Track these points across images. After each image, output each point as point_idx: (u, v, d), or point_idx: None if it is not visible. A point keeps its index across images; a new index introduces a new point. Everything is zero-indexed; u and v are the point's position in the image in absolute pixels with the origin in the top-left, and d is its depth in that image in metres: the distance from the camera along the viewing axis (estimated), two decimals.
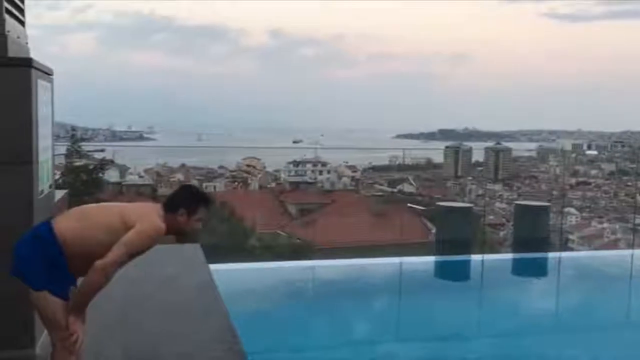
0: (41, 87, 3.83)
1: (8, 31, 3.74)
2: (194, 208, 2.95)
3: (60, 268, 2.80)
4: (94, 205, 3.20)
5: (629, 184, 14.99)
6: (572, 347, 5.59)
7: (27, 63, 3.67)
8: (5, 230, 3.60)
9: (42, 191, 3.84)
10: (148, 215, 2.88)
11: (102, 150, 13.46)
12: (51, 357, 2.90)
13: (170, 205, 2.96)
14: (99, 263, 2.73)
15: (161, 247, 3.26)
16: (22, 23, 4.19)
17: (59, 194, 5.79)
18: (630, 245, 10.99)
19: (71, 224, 2.87)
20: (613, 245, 13.11)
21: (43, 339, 3.85)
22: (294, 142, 21.40)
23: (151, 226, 2.85)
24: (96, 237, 2.80)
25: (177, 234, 2.99)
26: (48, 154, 4.07)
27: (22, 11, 4.17)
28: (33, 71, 3.66)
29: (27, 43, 4.24)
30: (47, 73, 4.09)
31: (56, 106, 4.37)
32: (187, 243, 6.17)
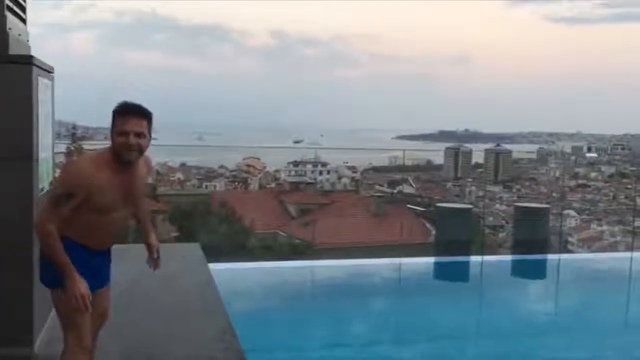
0: (42, 84, 3.82)
1: (9, 28, 3.73)
2: (112, 125, 2.67)
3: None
4: None
5: (629, 186, 14.99)
6: (570, 348, 5.58)
7: (28, 60, 3.66)
8: (5, 227, 3.60)
9: (43, 189, 3.83)
10: None
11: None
12: (61, 355, 2.84)
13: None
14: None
15: (161, 246, 3.23)
16: (24, 21, 4.19)
17: None
18: (630, 248, 10.98)
19: None
20: (612, 247, 13.11)
21: (42, 337, 3.84)
22: (295, 142, 21.39)
23: (69, 165, 2.79)
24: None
25: (122, 160, 2.68)
26: (49, 151, 4.06)
27: (23, 9, 4.16)
28: (34, 68, 3.65)
29: (28, 41, 4.24)
30: (48, 71, 4.08)
31: (57, 104, 4.36)
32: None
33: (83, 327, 2.78)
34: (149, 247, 3.11)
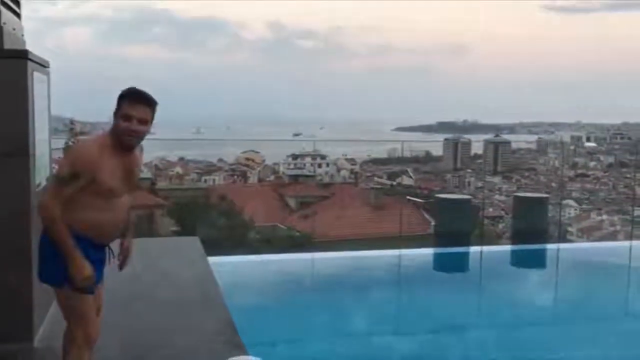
0: (37, 79, 3.81)
1: (4, 23, 3.71)
2: (117, 108, 2.69)
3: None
4: None
5: (628, 175, 14.98)
6: (570, 337, 5.60)
7: (22, 55, 3.65)
8: (3, 222, 3.60)
9: (40, 184, 3.82)
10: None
11: None
12: (66, 350, 2.84)
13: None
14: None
15: (160, 241, 3.23)
16: (19, 15, 4.17)
17: None
18: (629, 237, 10.99)
19: None
20: (612, 237, 13.12)
21: (42, 332, 3.85)
22: (295, 135, 21.38)
23: (73, 148, 2.78)
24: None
25: (122, 145, 2.69)
26: (45, 146, 4.05)
27: (18, 4, 4.14)
28: (29, 63, 3.64)
29: (23, 35, 4.22)
30: (44, 65, 4.07)
31: (55, 100, 4.35)
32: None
33: (90, 322, 2.79)
34: (122, 245, 3.02)
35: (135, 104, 2.68)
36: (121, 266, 3.02)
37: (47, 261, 2.76)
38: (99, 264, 2.82)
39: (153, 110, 2.75)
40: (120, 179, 2.73)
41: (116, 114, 2.69)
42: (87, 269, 2.66)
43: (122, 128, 2.67)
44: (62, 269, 2.66)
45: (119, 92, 2.73)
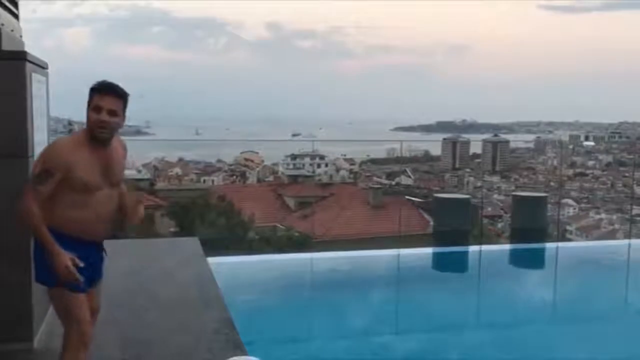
0: (36, 80, 3.82)
1: (2, 24, 3.72)
2: (89, 101, 2.71)
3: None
4: None
5: (626, 174, 15.01)
6: (569, 335, 5.61)
7: (21, 56, 3.65)
8: (1, 223, 3.60)
9: None
10: None
11: None
12: (62, 351, 2.84)
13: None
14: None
15: (160, 241, 3.24)
16: (16, 16, 4.18)
17: None
18: (628, 236, 11.01)
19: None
20: (610, 235, 13.14)
21: (41, 331, 3.86)
22: (294, 135, 21.38)
23: (47, 146, 2.82)
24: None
25: (95, 138, 2.71)
26: (44, 148, 4.06)
27: (15, 4, 4.15)
28: (27, 64, 3.64)
29: (21, 36, 4.22)
30: (42, 66, 4.07)
31: (54, 100, 4.35)
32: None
33: (84, 322, 2.78)
34: (125, 206, 2.92)
35: (105, 95, 2.70)
36: (130, 219, 2.96)
37: (39, 261, 2.78)
38: (92, 262, 2.80)
39: (124, 102, 2.77)
40: (99, 173, 2.74)
41: (88, 107, 2.71)
42: (65, 258, 2.65)
43: (92, 120, 2.69)
44: (51, 269, 2.67)
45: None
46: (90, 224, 2.78)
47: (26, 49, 4.03)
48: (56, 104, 4.53)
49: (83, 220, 2.75)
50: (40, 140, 3.90)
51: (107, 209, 2.83)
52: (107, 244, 2.94)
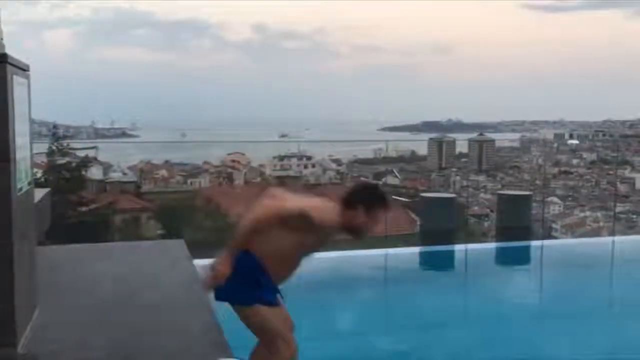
0: (17, 83, 3.78)
1: None
2: (372, 208, 2.94)
3: (266, 285, 2.98)
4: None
5: (610, 172, 15.18)
6: (555, 332, 5.67)
7: (1, 59, 3.61)
8: None
9: (21, 189, 3.79)
10: (318, 207, 2.95)
11: (95, 147, 13.34)
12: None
13: (349, 202, 2.95)
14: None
15: (146, 244, 3.24)
16: None
17: (40, 192, 5.73)
18: (612, 233, 11.15)
19: (263, 246, 2.92)
20: (595, 232, 13.29)
21: (25, 337, 3.82)
22: (281, 136, 21.35)
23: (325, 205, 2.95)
24: (285, 239, 2.92)
25: (352, 231, 2.96)
26: (26, 151, 4.02)
27: None
28: (8, 67, 3.61)
29: (2, 39, 4.17)
30: (24, 69, 4.03)
31: (37, 104, 4.31)
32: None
33: (285, 333, 2.97)
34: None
35: (387, 211, 3.02)
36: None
37: (241, 282, 2.91)
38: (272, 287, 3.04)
39: None
40: (320, 244, 3.01)
41: (367, 211, 2.90)
42: (225, 265, 2.85)
43: (368, 226, 2.95)
44: (253, 288, 2.90)
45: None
46: (283, 267, 3.14)
47: (7, 51, 3.99)
48: (41, 107, 4.48)
49: (282, 261, 3.08)
50: (22, 143, 3.86)
51: (294, 271, 3.21)
52: (93, 248, 2.94)
